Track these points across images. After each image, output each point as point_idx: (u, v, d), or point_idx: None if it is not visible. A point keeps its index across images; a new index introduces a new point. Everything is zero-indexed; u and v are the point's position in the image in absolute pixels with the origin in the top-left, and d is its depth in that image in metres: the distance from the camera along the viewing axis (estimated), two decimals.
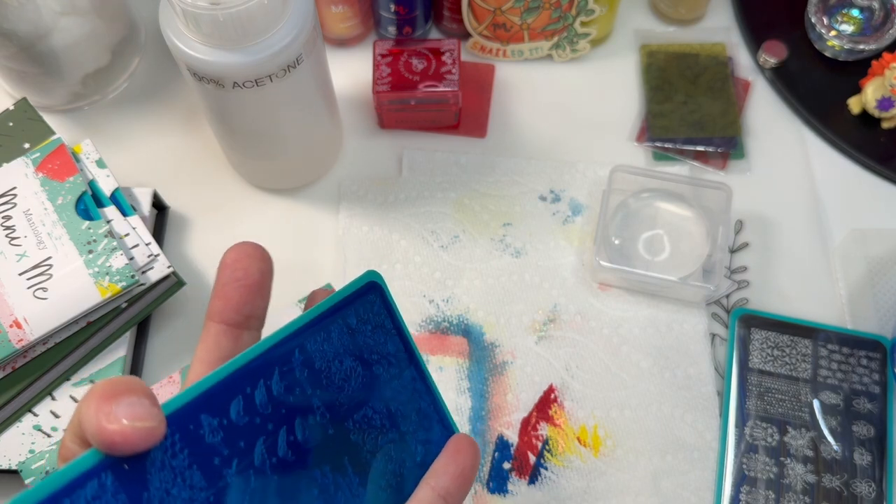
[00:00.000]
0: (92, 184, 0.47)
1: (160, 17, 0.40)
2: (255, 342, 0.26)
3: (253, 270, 0.25)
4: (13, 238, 0.44)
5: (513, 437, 0.46)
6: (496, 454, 0.46)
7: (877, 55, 0.54)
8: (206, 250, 0.51)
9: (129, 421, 0.19)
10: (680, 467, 0.45)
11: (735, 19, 0.59)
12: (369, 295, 0.27)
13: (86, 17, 0.50)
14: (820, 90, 0.56)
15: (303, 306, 0.48)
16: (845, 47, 0.55)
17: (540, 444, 0.46)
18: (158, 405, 0.20)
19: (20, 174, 0.46)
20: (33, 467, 0.42)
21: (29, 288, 0.43)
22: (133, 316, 0.46)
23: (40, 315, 0.42)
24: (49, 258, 0.43)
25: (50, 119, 0.53)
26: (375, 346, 0.27)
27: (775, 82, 0.56)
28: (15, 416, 0.44)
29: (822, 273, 0.51)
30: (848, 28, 0.56)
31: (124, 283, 0.43)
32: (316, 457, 0.24)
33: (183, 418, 0.21)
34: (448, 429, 0.29)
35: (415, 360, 0.28)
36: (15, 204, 0.45)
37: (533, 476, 0.45)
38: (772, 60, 0.56)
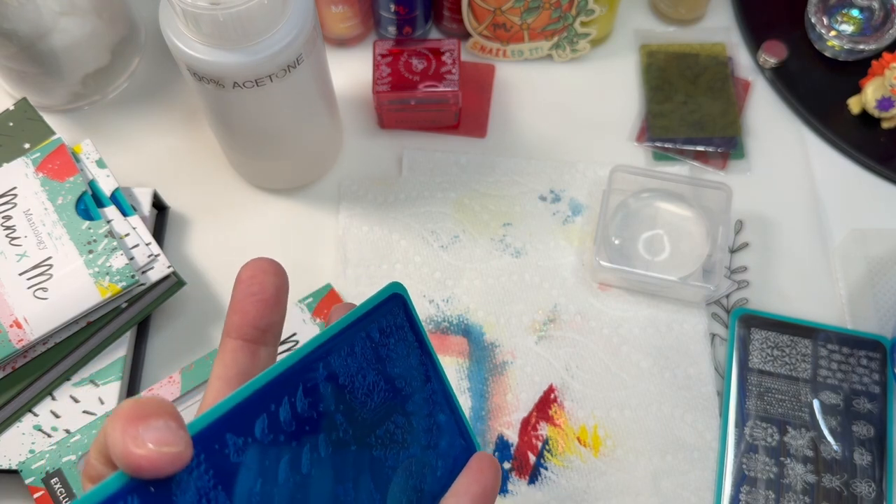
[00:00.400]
0: (92, 184, 0.47)
1: (160, 17, 0.40)
2: (272, 358, 0.26)
3: (268, 285, 0.25)
4: (13, 238, 0.44)
5: (513, 437, 0.46)
6: (496, 454, 0.46)
7: (877, 55, 0.54)
8: (206, 250, 0.51)
9: (156, 445, 0.19)
10: (680, 467, 0.45)
11: (735, 19, 0.59)
12: (392, 307, 0.27)
13: (86, 17, 0.50)
14: (820, 90, 0.56)
15: (303, 306, 0.48)
16: (845, 47, 0.55)
17: (540, 444, 0.46)
18: (185, 427, 0.20)
19: (20, 174, 0.46)
20: (33, 467, 0.42)
21: (29, 288, 0.43)
22: (133, 316, 0.46)
23: (40, 315, 0.42)
24: (49, 258, 0.43)
25: (50, 119, 0.53)
26: (398, 359, 0.27)
27: (775, 82, 0.56)
28: (15, 416, 0.44)
29: (822, 273, 0.51)
30: (848, 28, 0.56)
31: (124, 283, 0.43)
32: (339, 474, 0.24)
33: (208, 438, 0.21)
34: (469, 443, 0.29)
35: (437, 374, 0.28)
36: (15, 204, 0.45)
37: (533, 476, 0.45)
38: (772, 60, 0.56)
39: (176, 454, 0.19)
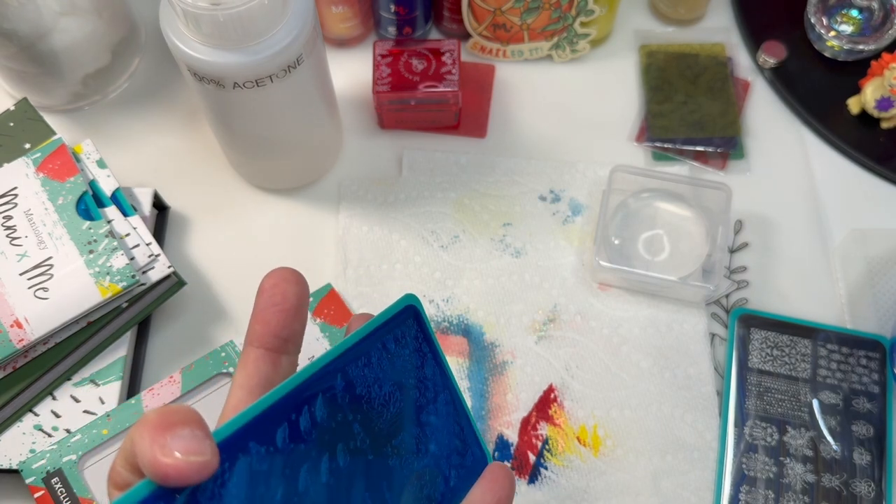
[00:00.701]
0: (92, 184, 0.47)
1: (160, 17, 0.40)
2: (293, 366, 0.27)
3: (290, 295, 0.26)
4: (14, 238, 0.44)
5: (513, 436, 0.46)
6: (496, 454, 0.46)
7: (876, 55, 0.54)
8: (206, 250, 0.51)
9: (184, 454, 0.19)
10: (680, 467, 0.45)
11: (735, 19, 0.59)
12: (407, 318, 0.27)
13: (86, 17, 0.50)
14: (819, 90, 0.56)
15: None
16: (845, 47, 0.56)
17: (540, 444, 0.46)
18: (211, 436, 0.20)
19: (21, 174, 0.46)
20: (34, 467, 0.42)
21: (30, 288, 0.43)
22: (133, 316, 0.46)
23: (41, 315, 0.42)
24: (50, 258, 0.43)
25: (50, 119, 0.53)
26: (412, 369, 0.27)
27: (775, 82, 0.56)
28: (16, 416, 0.44)
29: (822, 273, 0.51)
30: (847, 28, 0.56)
31: (125, 283, 0.43)
32: (356, 483, 0.24)
33: (233, 446, 0.21)
34: (481, 452, 0.29)
35: (449, 384, 0.28)
36: (16, 204, 0.45)
37: (533, 476, 0.45)
38: (771, 61, 0.56)
39: (203, 463, 0.19)
